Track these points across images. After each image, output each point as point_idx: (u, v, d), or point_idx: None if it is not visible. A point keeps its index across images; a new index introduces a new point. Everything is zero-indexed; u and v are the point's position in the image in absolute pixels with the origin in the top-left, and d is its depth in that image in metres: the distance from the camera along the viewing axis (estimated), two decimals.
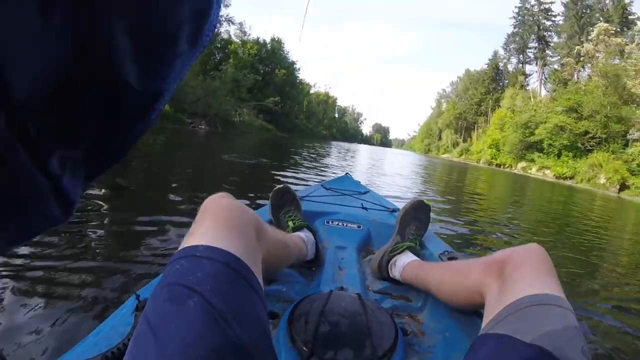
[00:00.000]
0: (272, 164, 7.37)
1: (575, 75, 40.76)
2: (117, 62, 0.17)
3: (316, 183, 2.68)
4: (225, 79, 32.33)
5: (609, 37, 34.50)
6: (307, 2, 2.75)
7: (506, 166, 41.24)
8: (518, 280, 0.70)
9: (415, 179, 9.44)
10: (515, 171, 37.56)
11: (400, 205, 1.60)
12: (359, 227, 1.60)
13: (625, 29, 37.31)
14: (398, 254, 1.23)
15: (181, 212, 2.71)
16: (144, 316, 0.51)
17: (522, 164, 38.48)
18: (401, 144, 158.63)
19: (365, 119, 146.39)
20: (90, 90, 0.18)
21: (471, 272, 0.86)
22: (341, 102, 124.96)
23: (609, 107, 29.86)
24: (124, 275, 1.64)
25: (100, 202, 2.74)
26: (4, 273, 1.55)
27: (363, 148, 40.95)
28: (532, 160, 37.01)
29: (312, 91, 74.26)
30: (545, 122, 35.13)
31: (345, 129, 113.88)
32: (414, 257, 1.21)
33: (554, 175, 32.52)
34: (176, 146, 9.38)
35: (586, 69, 39.14)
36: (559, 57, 45.21)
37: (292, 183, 5.01)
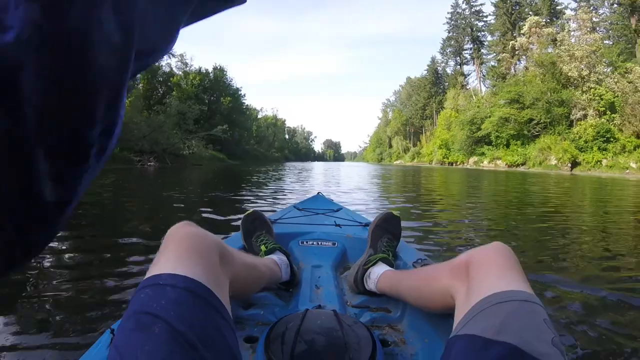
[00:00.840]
0: (229, 194, 6.89)
1: (513, 69, 43.29)
2: (34, 181, 0.19)
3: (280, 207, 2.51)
4: (170, 112, 31.27)
5: (540, 28, 36.82)
6: None
7: (458, 163, 42.55)
8: (483, 279, 0.71)
9: (375, 189, 9.10)
10: (468, 166, 38.79)
11: (373, 218, 1.54)
12: (334, 244, 1.60)
13: (554, 19, 39.99)
14: (371, 266, 1.23)
15: (146, 246, 2.72)
16: (114, 346, 0.53)
17: (474, 158, 39.80)
18: (354, 157, 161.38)
19: (315, 136, 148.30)
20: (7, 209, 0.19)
21: (440, 277, 0.86)
22: (290, 123, 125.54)
23: (549, 93, 31.58)
24: (97, 311, 1.63)
25: (63, 247, 2.72)
26: None
27: (317, 165, 40.88)
28: (483, 154, 38.36)
29: (260, 115, 73.90)
30: (490, 116, 36.61)
31: (297, 149, 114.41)
32: (387, 268, 1.21)
33: (506, 164, 33.79)
34: (127, 188, 8.56)
35: (522, 62, 41.52)
36: (494, 54, 48.01)
37: (257, 206, 4.92)
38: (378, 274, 1.18)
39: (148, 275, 0.62)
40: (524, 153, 33.07)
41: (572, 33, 33.75)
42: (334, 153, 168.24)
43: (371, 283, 1.19)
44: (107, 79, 0.20)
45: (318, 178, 13.80)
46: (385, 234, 1.38)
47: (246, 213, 1.50)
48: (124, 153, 22.46)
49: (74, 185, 0.22)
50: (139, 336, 0.51)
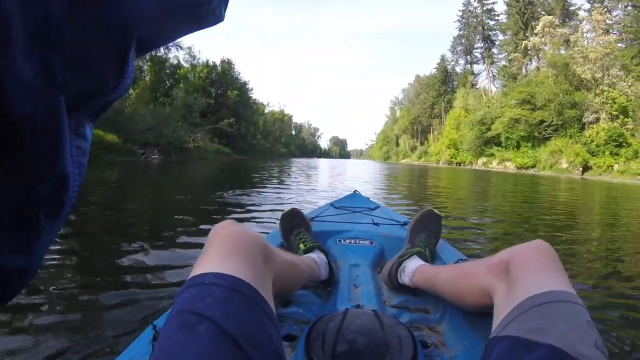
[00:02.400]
0: (235, 193, 6.60)
1: (524, 69, 42.49)
2: None
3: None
4: (177, 104, 30.97)
5: (553, 29, 36.05)
6: None
7: (466, 163, 42.02)
8: (525, 279, 0.69)
9: (384, 189, 8.94)
10: (477, 167, 38.24)
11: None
12: (372, 243, 1.59)
13: (566, 20, 39.28)
14: (406, 259, 1.22)
15: (183, 244, 2.75)
16: (158, 345, 0.53)
17: (483, 159, 39.29)
18: (360, 154, 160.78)
19: (322, 133, 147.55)
20: None
21: (477, 274, 0.84)
22: (297, 119, 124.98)
23: (561, 95, 30.91)
24: (139, 308, 1.63)
25: (99, 238, 2.85)
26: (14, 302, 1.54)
27: (323, 162, 40.80)
28: (492, 155, 37.84)
29: (266, 110, 73.49)
30: (500, 116, 36.00)
31: (303, 145, 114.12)
32: (422, 262, 1.20)
33: (515, 166, 33.23)
34: (134, 183, 8.27)
35: (534, 62, 40.77)
36: (505, 54, 47.20)
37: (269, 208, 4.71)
38: (413, 268, 1.16)
39: (192, 274, 0.61)
40: (535, 155, 32.51)
41: (585, 34, 33.13)
42: (340, 150, 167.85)
43: (405, 277, 1.17)
44: (32, 127, 0.17)
45: (325, 176, 13.50)
46: (425, 230, 1.36)
47: (285, 211, 1.49)
48: (128, 145, 22.19)
49: (28, 251, 0.20)
50: (184, 335, 0.51)
